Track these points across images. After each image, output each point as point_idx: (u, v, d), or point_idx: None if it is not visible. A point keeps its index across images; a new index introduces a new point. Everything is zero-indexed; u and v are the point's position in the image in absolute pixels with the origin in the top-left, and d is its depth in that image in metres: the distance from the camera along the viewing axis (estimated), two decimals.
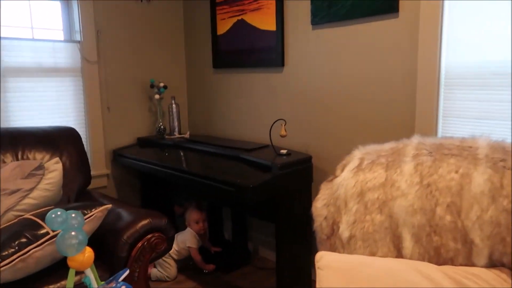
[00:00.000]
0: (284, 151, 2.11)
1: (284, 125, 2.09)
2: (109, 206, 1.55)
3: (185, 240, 2.43)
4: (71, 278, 1.11)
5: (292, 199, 2.00)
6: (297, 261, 2.09)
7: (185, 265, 2.52)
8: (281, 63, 2.36)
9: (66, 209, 1.40)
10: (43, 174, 1.65)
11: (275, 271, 2.03)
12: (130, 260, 1.53)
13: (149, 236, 1.58)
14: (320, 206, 1.15)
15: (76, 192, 2.00)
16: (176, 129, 2.83)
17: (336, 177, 1.20)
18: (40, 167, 1.65)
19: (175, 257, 2.41)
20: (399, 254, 1.04)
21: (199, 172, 2.03)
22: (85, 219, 1.47)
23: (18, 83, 2.37)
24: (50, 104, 2.50)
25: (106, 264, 1.56)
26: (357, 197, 1.08)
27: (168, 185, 2.83)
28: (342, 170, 1.19)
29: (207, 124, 2.98)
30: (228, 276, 2.45)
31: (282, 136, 2.09)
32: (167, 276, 2.38)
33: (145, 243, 1.56)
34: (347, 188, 1.11)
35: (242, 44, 2.57)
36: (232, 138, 2.74)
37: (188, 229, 2.46)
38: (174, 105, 2.81)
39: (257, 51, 2.48)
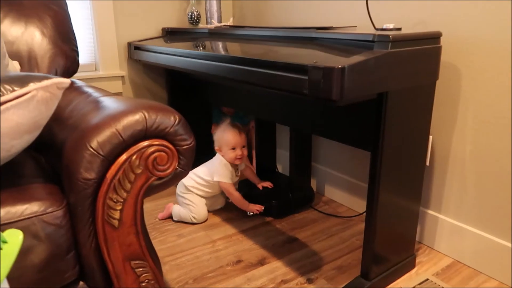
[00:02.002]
0: (389, 25, 1.22)
1: None
2: (66, 81, 0.79)
3: (213, 171, 1.67)
4: None
5: (405, 105, 1.15)
6: (400, 214, 1.28)
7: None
8: None
9: None
10: None
11: (365, 224, 1.24)
12: (103, 187, 0.78)
13: (143, 144, 0.81)
14: None
15: None
16: (215, 16, 1.99)
17: None
18: None
19: (200, 193, 1.68)
20: None
21: (246, 56, 1.21)
22: (8, 101, 0.72)
23: None
24: None
25: (66, 193, 0.83)
26: None
27: (204, 92, 2.06)
28: None
29: (259, 10, 2.11)
30: (281, 222, 1.71)
31: None
32: (193, 217, 1.67)
33: (134, 157, 0.80)
34: None
35: None
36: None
37: (218, 157, 1.69)
38: None
39: None
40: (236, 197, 1.68)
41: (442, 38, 1.23)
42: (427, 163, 1.48)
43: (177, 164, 0.85)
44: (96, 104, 0.91)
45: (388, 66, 1.03)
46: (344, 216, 1.76)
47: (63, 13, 1.36)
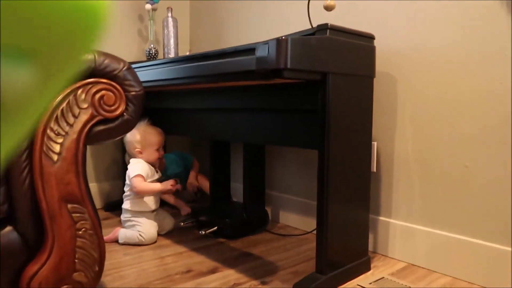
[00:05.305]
0: None
1: None
2: None
3: (129, 175, 1.61)
4: None
5: (347, 93, 1.23)
6: (349, 222, 1.29)
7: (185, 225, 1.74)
8: None
9: None
10: None
11: (317, 231, 1.22)
12: (45, 115, 0.76)
13: (90, 80, 0.82)
14: None
15: None
16: (172, 51, 2.11)
17: None
18: None
19: (143, 209, 1.64)
20: None
21: (196, 53, 1.29)
22: None
23: None
24: None
25: None
26: None
27: (159, 121, 2.07)
28: None
29: (216, 42, 2.26)
30: (235, 242, 1.65)
31: (328, 9, 1.35)
32: (140, 235, 1.57)
33: (80, 91, 0.80)
34: None
35: None
36: None
37: (133, 161, 1.65)
38: (170, 19, 2.10)
39: None
40: (143, 187, 1.58)
41: (377, 51, 1.37)
42: (374, 169, 1.55)
43: (124, 108, 0.85)
44: None
45: (327, 49, 1.14)
46: (299, 234, 1.73)
47: None
